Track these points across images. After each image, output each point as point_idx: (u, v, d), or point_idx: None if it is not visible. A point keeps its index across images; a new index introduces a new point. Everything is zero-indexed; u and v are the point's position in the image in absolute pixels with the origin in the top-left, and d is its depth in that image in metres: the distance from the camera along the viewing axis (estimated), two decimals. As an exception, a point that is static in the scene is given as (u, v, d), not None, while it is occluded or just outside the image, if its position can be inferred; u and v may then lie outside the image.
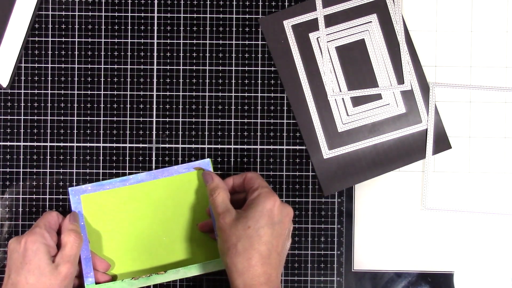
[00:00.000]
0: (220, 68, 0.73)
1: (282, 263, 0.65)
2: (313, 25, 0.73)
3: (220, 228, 0.64)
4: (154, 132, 0.73)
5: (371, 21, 0.73)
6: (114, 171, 0.73)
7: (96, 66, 0.73)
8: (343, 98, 0.73)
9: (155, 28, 0.73)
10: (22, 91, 0.73)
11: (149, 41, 0.73)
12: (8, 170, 0.73)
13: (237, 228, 0.63)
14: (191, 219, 0.71)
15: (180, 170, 0.72)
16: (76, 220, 0.69)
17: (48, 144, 0.73)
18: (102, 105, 0.73)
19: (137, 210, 0.71)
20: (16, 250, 0.64)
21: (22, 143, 0.73)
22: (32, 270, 0.63)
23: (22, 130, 0.73)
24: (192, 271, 0.70)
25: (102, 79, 0.73)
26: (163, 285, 0.73)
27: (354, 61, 0.73)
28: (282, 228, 0.64)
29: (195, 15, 0.73)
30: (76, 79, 0.73)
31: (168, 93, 0.73)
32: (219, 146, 0.73)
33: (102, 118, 0.73)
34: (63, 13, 0.73)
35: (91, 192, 0.71)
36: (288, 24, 0.73)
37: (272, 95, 0.73)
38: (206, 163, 0.71)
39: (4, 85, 0.72)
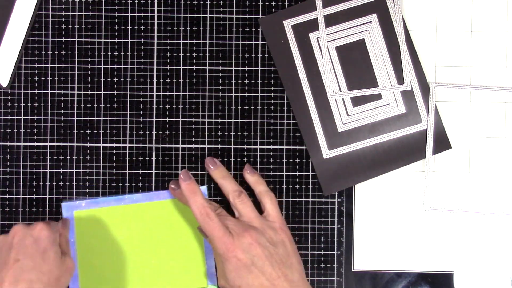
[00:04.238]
0: (220, 68, 0.73)
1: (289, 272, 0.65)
2: (313, 25, 0.73)
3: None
4: (154, 132, 0.73)
5: (371, 21, 0.73)
6: (114, 171, 0.73)
7: (96, 66, 0.73)
8: (343, 98, 0.73)
9: (155, 28, 0.73)
10: (22, 91, 0.73)
11: (149, 41, 0.73)
12: (8, 170, 0.73)
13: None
14: (183, 244, 0.71)
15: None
16: (67, 226, 0.68)
17: (48, 144, 0.73)
18: (102, 105, 0.73)
19: (129, 231, 0.71)
20: (30, 235, 0.63)
21: (22, 143, 0.73)
22: (47, 259, 0.62)
23: (22, 130, 0.73)
24: None
25: (102, 79, 0.73)
26: None
27: (354, 61, 0.73)
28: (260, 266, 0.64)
29: (195, 15, 0.73)
30: (76, 79, 0.73)
31: (168, 93, 0.73)
32: (219, 146, 0.73)
33: (102, 118, 0.73)
34: (63, 13, 0.73)
35: (84, 209, 0.71)
36: (288, 24, 0.73)
37: (272, 95, 0.73)
38: (203, 190, 0.71)
39: (4, 85, 0.72)
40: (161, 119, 0.73)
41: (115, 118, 0.73)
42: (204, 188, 0.72)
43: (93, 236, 0.71)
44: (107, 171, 0.73)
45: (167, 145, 0.73)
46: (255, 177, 0.71)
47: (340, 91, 0.73)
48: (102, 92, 0.73)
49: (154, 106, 0.73)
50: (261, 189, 0.70)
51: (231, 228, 0.65)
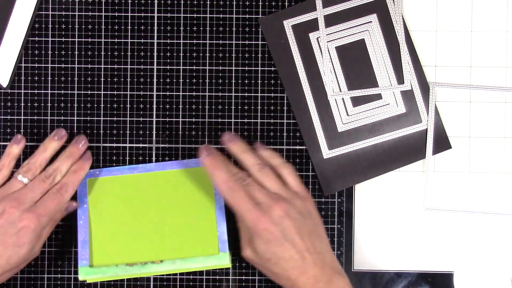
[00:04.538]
0: (220, 68, 0.73)
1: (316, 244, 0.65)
2: (313, 25, 0.73)
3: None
4: (154, 132, 0.73)
5: (371, 21, 0.73)
6: (114, 171, 0.73)
7: (96, 66, 0.73)
8: (343, 98, 0.73)
9: (155, 28, 0.73)
10: (22, 91, 0.73)
11: (149, 41, 0.73)
12: (8, 170, 0.73)
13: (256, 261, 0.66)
14: (195, 212, 0.71)
15: (189, 164, 0.72)
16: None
17: (48, 144, 0.73)
18: (102, 105, 0.73)
19: (142, 199, 0.71)
20: (15, 225, 0.64)
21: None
22: (16, 251, 0.64)
23: (22, 130, 0.73)
24: (189, 264, 0.70)
25: (102, 79, 0.73)
26: (163, 285, 0.73)
27: (354, 61, 0.73)
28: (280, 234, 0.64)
29: (195, 15, 0.73)
30: (76, 79, 0.73)
31: (168, 93, 0.73)
32: (219, 146, 0.73)
33: (102, 118, 0.73)
34: (63, 13, 0.73)
35: (98, 177, 0.71)
36: (288, 24, 0.73)
37: (272, 95, 0.73)
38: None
39: (4, 85, 0.72)
40: (161, 119, 0.73)
41: (115, 118, 0.73)
42: None
43: (106, 203, 0.71)
44: (107, 171, 0.73)
45: (167, 145, 0.73)
46: (268, 151, 0.69)
47: (340, 91, 0.73)
48: (102, 92, 0.73)
49: (154, 106, 0.73)
50: (277, 162, 0.68)
51: (260, 201, 0.64)
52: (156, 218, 0.71)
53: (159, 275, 0.72)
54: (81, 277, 0.70)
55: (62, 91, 0.73)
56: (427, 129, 0.73)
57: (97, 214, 0.71)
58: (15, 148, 0.69)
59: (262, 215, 0.63)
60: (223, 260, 0.70)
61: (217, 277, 0.73)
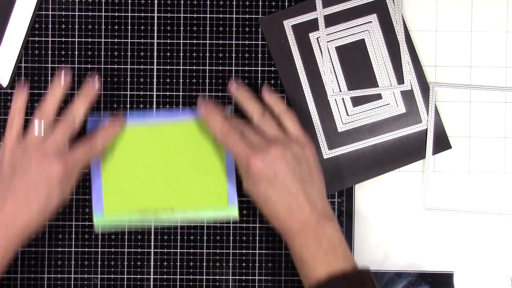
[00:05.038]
0: (220, 68, 0.73)
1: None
2: (313, 25, 0.73)
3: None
4: (154, 132, 0.73)
5: (371, 21, 0.73)
6: (114, 171, 0.73)
7: (96, 66, 0.73)
8: (343, 98, 0.73)
9: (155, 28, 0.73)
10: (22, 91, 0.73)
11: (149, 41, 0.73)
12: (8, 170, 0.73)
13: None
14: (205, 164, 0.71)
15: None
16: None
17: (48, 144, 0.73)
18: (102, 105, 0.73)
19: (152, 150, 0.71)
20: (46, 169, 0.64)
21: (22, 143, 0.73)
22: (51, 193, 0.65)
23: (22, 130, 0.73)
24: (199, 214, 0.71)
25: (102, 79, 0.73)
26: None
27: (354, 61, 0.73)
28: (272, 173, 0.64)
29: (195, 15, 0.73)
30: (76, 79, 0.73)
31: (168, 93, 0.73)
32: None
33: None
34: (63, 13, 0.73)
35: None
36: (288, 24, 0.73)
37: (272, 95, 0.73)
38: (227, 112, 0.72)
39: (4, 85, 0.72)
40: (161, 119, 0.73)
41: (115, 118, 0.73)
42: (228, 110, 0.72)
43: (117, 155, 0.71)
44: (107, 171, 0.73)
45: (167, 145, 0.73)
46: (273, 97, 0.70)
47: (340, 91, 0.73)
48: (102, 92, 0.73)
49: (154, 106, 0.73)
50: (280, 109, 0.69)
51: (256, 143, 0.65)
52: (167, 168, 0.71)
53: (159, 276, 0.73)
54: (96, 223, 0.71)
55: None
56: (427, 129, 0.73)
57: (110, 163, 0.71)
58: (19, 101, 0.69)
59: (255, 155, 0.64)
60: (232, 212, 0.71)
61: (217, 277, 0.73)
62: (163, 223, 0.72)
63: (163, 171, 0.71)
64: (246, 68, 0.73)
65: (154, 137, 0.71)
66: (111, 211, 0.71)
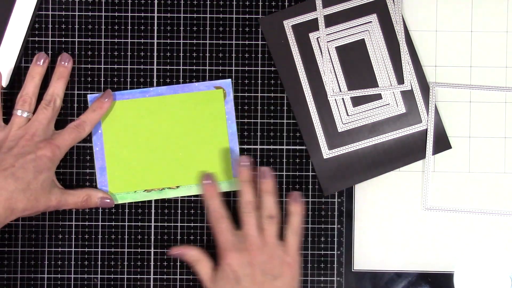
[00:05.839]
0: (220, 68, 0.73)
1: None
2: (313, 25, 0.73)
3: None
4: (154, 132, 0.73)
5: (371, 21, 0.73)
6: (114, 171, 0.73)
7: (96, 66, 0.73)
8: (343, 98, 0.73)
9: (155, 28, 0.73)
10: (22, 91, 0.73)
11: (149, 41, 0.73)
12: (8, 170, 0.73)
13: None
14: (208, 138, 0.72)
15: (200, 87, 0.72)
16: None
17: (48, 144, 0.73)
18: (102, 105, 0.73)
19: (154, 123, 0.72)
20: (33, 152, 0.65)
21: (22, 143, 0.73)
22: (38, 179, 0.66)
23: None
24: None
25: (102, 79, 0.73)
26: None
27: (354, 61, 0.73)
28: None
29: (195, 15, 0.73)
30: (76, 79, 0.73)
31: (168, 93, 0.73)
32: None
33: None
34: (63, 13, 0.73)
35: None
36: (288, 24, 0.73)
37: (272, 95, 0.73)
38: (228, 84, 0.72)
39: (4, 85, 0.72)
40: (161, 119, 0.73)
41: (115, 118, 0.73)
42: (228, 81, 0.72)
43: (118, 129, 0.71)
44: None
45: (167, 145, 0.73)
46: (299, 208, 0.70)
47: (340, 91, 0.73)
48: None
49: (154, 106, 0.73)
50: (295, 219, 0.69)
51: (240, 240, 0.66)
52: (169, 143, 0.72)
53: (159, 276, 0.73)
54: None
55: (62, 91, 0.73)
56: (427, 129, 0.73)
57: (112, 140, 0.71)
58: (38, 68, 0.70)
59: (232, 251, 0.65)
60: (237, 185, 0.71)
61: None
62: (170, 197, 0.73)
63: (165, 145, 0.72)
64: (246, 68, 0.73)
65: (153, 109, 0.72)
66: (116, 189, 0.71)
